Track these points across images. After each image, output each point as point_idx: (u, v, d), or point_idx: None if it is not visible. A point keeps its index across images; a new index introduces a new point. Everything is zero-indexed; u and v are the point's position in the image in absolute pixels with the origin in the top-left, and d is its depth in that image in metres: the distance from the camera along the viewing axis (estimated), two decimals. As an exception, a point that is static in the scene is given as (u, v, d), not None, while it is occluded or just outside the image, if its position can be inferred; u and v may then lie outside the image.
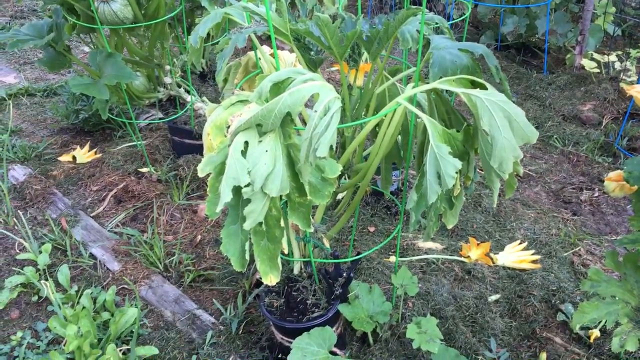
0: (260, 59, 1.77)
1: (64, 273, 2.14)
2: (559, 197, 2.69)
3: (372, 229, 2.41)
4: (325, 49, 1.51)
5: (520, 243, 2.32)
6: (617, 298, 1.43)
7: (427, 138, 1.45)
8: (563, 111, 3.35)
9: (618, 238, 1.40)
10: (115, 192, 2.72)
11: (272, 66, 1.71)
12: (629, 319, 1.38)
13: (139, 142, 2.91)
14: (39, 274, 2.18)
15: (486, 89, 1.42)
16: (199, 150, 2.87)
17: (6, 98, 3.70)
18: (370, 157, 1.58)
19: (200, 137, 2.83)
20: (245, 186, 1.22)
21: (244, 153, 1.25)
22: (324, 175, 1.36)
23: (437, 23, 1.65)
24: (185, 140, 2.86)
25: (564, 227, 2.44)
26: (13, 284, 2.09)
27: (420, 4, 4.47)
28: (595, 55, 3.67)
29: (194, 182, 2.76)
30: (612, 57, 3.65)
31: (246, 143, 1.26)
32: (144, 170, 2.84)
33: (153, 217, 2.54)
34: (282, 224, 1.40)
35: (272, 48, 1.49)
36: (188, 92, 2.85)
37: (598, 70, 3.61)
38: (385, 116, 1.51)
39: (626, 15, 4.14)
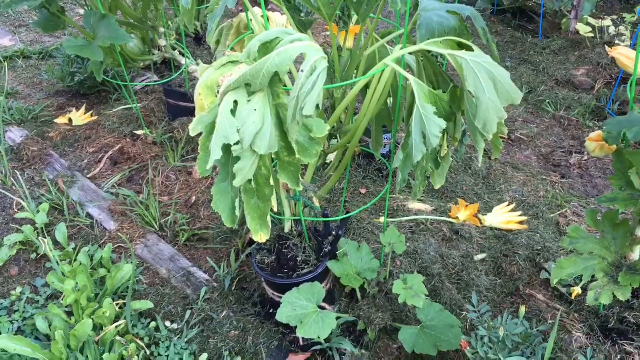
0: (251, 20, 1.78)
1: (61, 231, 2.19)
2: (548, 160, 2.73)
3: (363, 191, 2.46)
4: (314, 10, 1.53)
5: (508, 205, 2.37)
6: (594, 254, 1.48)
7: (414, 99, 1.48)
8: (557, 76, 3.37)
9: (598, 197, 1.44)
10: (111, 154, 2.76)
11: (263, 27, 1.72)
12: (605, 274, 1.44)
13: (135, 105, 2.93)
14: (37, 233, 2.24)
15: (473, 50, 1.44)
16: (194, 112, 2.88)
17: (2, 61, 3.71)
18: (359, 117, 1.61)
19: (194, 99, 2.85)
20: (235, 144, 1.26)
21: (233, 112, 1.28)
22: (311, 134, 1.39)
23: (426, -15, 1.66)
24: (180, 103, 2.88)
25: (552, 190, 2.49)
26: (12, 242, 2.15)
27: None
28: (591, 20, 3.67)
29: (189, 144, 2.79)
30: (607, 22, 3.65)
31: (235, 102, 1.29)
32: (140, 132, 2.87)
33: (148, 178, 2.58)
34: (272, 182, 1.44)
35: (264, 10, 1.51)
36: (183, 54, 2.86)
37: (593, 35, 3.61)
38: (373, 77, 1.54)
39: (624, -21, 4.12)
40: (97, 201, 2.45)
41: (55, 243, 2.21)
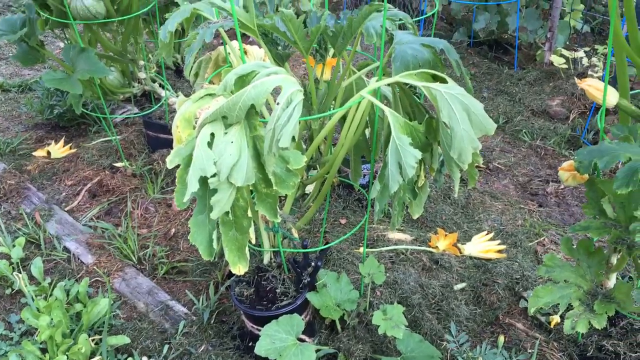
0: (229, 53, 1.80)
1: (37, 266, 2.16)
2: (526, 189, 2.76)
3: (343, 221, 2.46)
4: (291, 44, 1.55)
5: (487, 234, 2.38)
6: (570, 282, 1.49)
7: (390, 130, 1.50)
8: (532, 106, 3.43)
9: (572, 225, 1.46)
10: (90, 187, 2.74)
11: (241, 60, 1.74)
12: (581, 302, 1.45)
13: (114, 137, 2.93)
14: (13, 267, 2.20)
15: (447, 82, 1.47)
16: (172, 144, 2.89)
17: (-20, 93, 3.69)
18: (336, 149, 1.62)
19: (174, 131, 2.85)
20: (212, 176, 1.26)
21: (210, 144, 1.29)
22: (288, 166, 1.39)
23: (401, 19, 1.70)
24: (160, 135, 2.88)
25: (530, 218, 2.52)
26: (-14, 277, 2.11)
27: (394, 2, 4.50)
28: (564, 52, 3.76)
29: (168, 176, 2.78)
30: (580, 54, 3.74)
31: (212, 135, 1.30)
32: (119, 164, 2.86)
33: (127, 210, 2.56)
34: (250, 214, 1.44)
35: (244, 43, 1.53)
36: (163, 87, 2.87)
37: (567, 66, 3.70)
38: (350, 109, 1.56)
39: (595, 12, 4.24)
40: (74, 234, 2.42)
41: (31, 278, 2.18)
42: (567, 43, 3.92)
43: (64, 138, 3.13)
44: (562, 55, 3.75)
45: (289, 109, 1.25)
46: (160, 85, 2.88)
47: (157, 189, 2.70)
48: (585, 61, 3.71)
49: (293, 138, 1.25)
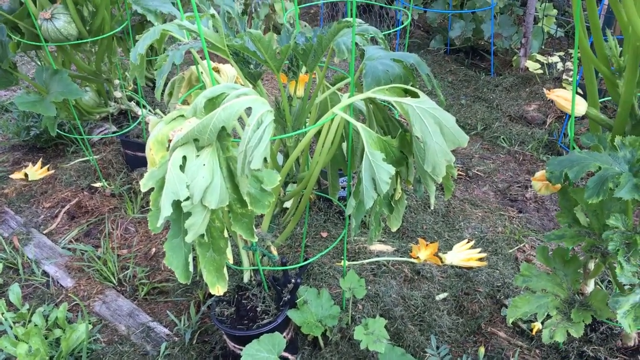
0: (202, 73, 1.80)
1: (15, 292, 2.13)
2: (505, 195, 2.78)
3: (324, 234, 2.46)
4: (262, 63, 1.55)
5: (467, 242, 2.39)
6: (547, 292, 1.50)
7: (360, 144, 1.51)
8: (510, 112, 3.46)
9: (546, 233, 1.47)
10: (68, 208, 2.71)
11: (215, 80, 1.74)
12: (558, 311, 1.46)
13: (91, 157, 2.90)
14: (-10, 294, 2.17)
15: (418, 96, 1.48)
16: (147, 167, 2.87)
17: (-45, 116, 3.64)
18: (312, 165, 1.62)
19: (152, 149, 2.84)
20: (185, 200, 1.26)
21: (182, 167, 1.28)
22: (262, 185, 1.39)
23: (372, 34, 1.71)
24: (138, 154, 2.86)
25: (510, 225, 2.53)
26: (-37, 306, 2.08)
27: (370, 12, 4.52)
28: (539, 57, 3.80)
29: (147, 194, 2.76)
30: (555, 58, 3.78)
31: (184, 158, 1.29)
32: (97, 185, 2.84)
33: (106, 231, 2.54)
34: (227, 235, 1.43)
35: (218, 62, 1.53)
36: (139, 105, 2.86)
37: (542, 71, 3.74)
38: (324, 125, 1.56)
39: (569, 16, 4.29)
40: (53, 258, 2.40)
41: (9, 304, 2.15)
42: (542, 48, 3.97)
43: (41, 159, 3.10)
44: (537, 61, 3.80)
45: (259, 130, 1.24)
46: (137, 103, 2.87)
47: (137, 208, 2.69)
48: (560, 66, 3.76)
49: (265, 159, 1.25)
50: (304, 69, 1.80)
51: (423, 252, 2.30)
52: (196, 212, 1.28)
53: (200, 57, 1.72)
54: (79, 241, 2.53)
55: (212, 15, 1.55)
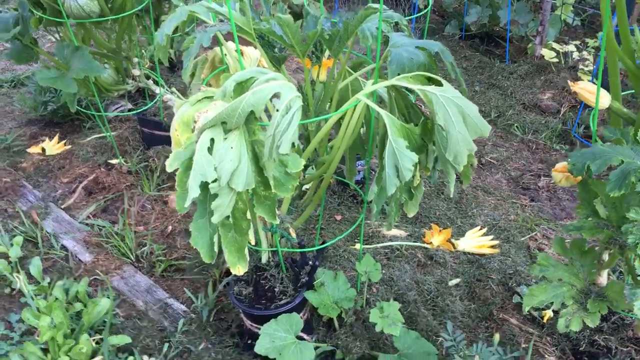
0: (226, 55, 1.81)
1: (36, 265, 2.17)
2: (518, 183, 2.80)
3: (338, 217, 2.49)
4: (287, 47, 1.56)
5: (480, 229, 2.42)
6: (563, 281, 1.53)
7: (386, 131, 1.52)
8: (524, 100, 3.46)
9: (565, 224, 1.50)
10: (86, 184, 2.74)
11: (237, 62, 1.75)
12: (574, 301, 1.48)
13: (109, 134, 2.92)
14: (11, 267, 2.21)
15: (442, 85, 1.49)
16: (168, 141, 2.88)
17: (-28, 89, 3.67)
18: (333, 150, 1.64)
19: (169, 128, 2.86)
20: (212, 182, 1.28)
21: (210, 150, 1.31)
22: (287, 169, 1.41)
23: (395, 20, 1.71)
24: (154, 132, 2.89)
25: (522, 213, 2.55)
26: (-15, 277, 2.12)
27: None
28: (555, 45, 3.78)
29: (164, 173, 2.79)
30: (571, 47, 3.77)
31: (212, 140, 1.31)
32: (114, 161, 2.87)
33: (124, 208, 2.57)
34: (249, 216, 1.46)
35: (241, 44, 1.54)
36: (157, 83, 2.87)
37: (557, 60, 3.73)
38: (347, 111, 1.58)
39: (586, 4, 4.26)
40: (71, 232, 2.44)
41: (30, 277, 2.19)
42: (558, 36, 3.95)
43: (58, 134, 3.12)
44: (552, 49, 3.78)
45: (288, 115, 1.26)
46: (154, 81, 2.89)
47: (153, 186, 2.72)
48: (575, 55, 3.74)
49: (292, 144, 1.27)
50: (326, 53, 1.81)
51: (436, 238, 2.32)
52: (223, 194, 1.31)
53: (225, 39, 1.73)
54: (97, 217, 2.56)
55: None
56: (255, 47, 1.89)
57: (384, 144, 1.50)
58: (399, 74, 1.54)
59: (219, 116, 1.30)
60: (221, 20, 1.62)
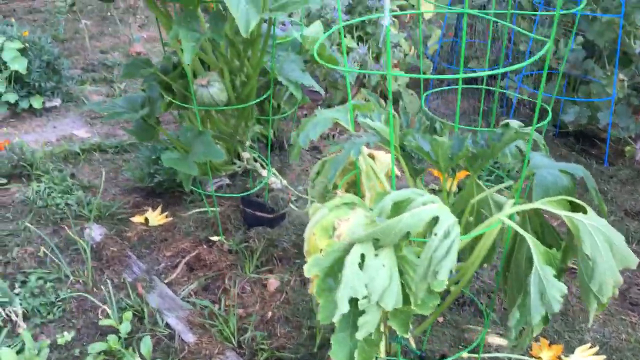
0: (358, 159, 1.86)
1: (146, 344, 2.20)
2: (625, 297, 2.69)
3: (440, 320, 2.44)
4: (432, 163, 1.59)
5: (590, 347, 2.32)
6: None
7: (523, 253, 1.51)
8: (625, 206, 3.36)
9: None
10: (188, 260, 2.81)
11: (371, 169, 1.79)
12: None
13: (214, 209, 3.00)
14: (121, 343, 2.26)
15: (586, 211, 1.48)
16: (270, 223, 2.95)
17: (80, 153, 3.87)
18: (467, 265, 1.63)
19: (272, 210, 2.93)
20: (363, 298, 1.29)
21: (360, 265, 1.32)
22: (431, 287, 1.41)
23: (534, 139, 1.73)
24: (257, 213, 2.95)
25: (634, 333, 2.43)
26: (96, 351, 2.17)
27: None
28: (658, 151, 3.70)
29: (263, 254, 2.83)
30: (675, 154, 3.68)
31: (362, 255, 1.33)
32: (215, 238, 2.93)
33: (224, 288, 2.61)
34: (382, 329, 1.45)
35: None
36: (263, 166, 2.96)
37: (660, 166, 3.63)
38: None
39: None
40: (175, 310, 2.48)
41: (140, 355, 2.22)
42: (660, 141, 3.86)
43: (160, 205, 3.23)
44: (654, 154, 3.70)
45: (447, 240, 1.27)
46: (260, 164, 2.98)
47: (252, 267, 2.75)
48: (679, 162, 3.64)
49: (450, 271, 1.27)
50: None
51: (545, 353, 2.24)
52: (371, 311, 1.31)
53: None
54: (198, 294, 2.60)
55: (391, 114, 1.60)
56: (387, 151, 1.93)
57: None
58: (542, 197, 1.54)
59: (372, 233, 1.33)
60: (366, 131, 1.67)
